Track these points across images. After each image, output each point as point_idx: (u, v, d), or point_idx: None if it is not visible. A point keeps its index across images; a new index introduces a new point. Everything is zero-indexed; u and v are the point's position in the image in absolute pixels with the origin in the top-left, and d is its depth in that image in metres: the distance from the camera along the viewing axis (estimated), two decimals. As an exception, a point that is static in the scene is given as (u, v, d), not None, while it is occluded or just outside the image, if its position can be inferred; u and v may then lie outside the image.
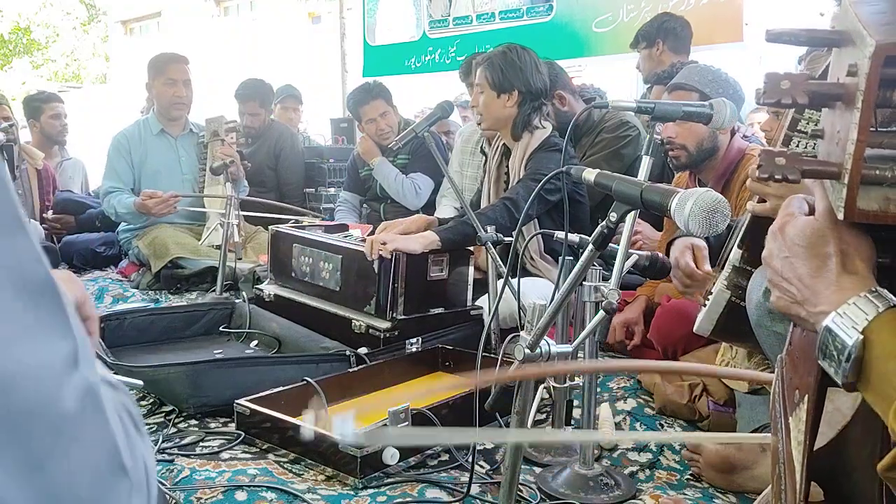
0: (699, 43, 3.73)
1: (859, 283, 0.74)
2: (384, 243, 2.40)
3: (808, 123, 1.16)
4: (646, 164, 1.69)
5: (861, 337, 0.69)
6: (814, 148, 1.15)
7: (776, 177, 0.74)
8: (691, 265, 1.72)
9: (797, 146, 1.18)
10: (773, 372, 1.73)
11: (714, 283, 1.51)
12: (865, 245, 0.77)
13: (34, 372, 0.43)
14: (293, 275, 2.75)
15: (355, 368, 2.18)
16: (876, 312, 0.70)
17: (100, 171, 3.96)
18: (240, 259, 3.27)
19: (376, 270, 2.40)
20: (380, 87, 3.96)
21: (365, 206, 4.13)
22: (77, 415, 0.45)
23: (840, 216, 0.73)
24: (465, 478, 1.66)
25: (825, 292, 0.75)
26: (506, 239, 2.25)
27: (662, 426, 2.03)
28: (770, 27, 0.77)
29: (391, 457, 1.70)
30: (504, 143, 2.82)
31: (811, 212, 0.82)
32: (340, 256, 2.55)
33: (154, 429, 1.98)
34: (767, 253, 0.83)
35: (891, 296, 0.72)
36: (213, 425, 2.01)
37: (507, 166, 2.81)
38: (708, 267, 1.72)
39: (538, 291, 2.30)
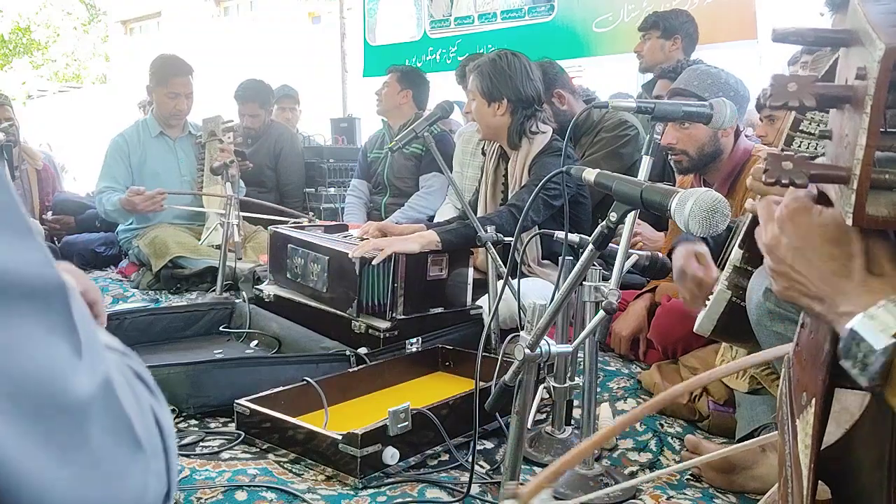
0: (705, 41, 3.72)
1: (888, 284, 0.72)
2: (381, 249, 2.36)
3: (810, 124, 1.15)
4: (646, 163, 1.69)
5: (893, 342, 0.67)
6: (816, 149, 1.15)
7: (783, 181, 0.72)
8: (699, 273, 1.66)
9: (799, 146, 1.18)
10: (772, 373, 1.73)
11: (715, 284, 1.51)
12: (890, 244, 0.75)
13: (49, 369, 0.46)
14: (288, 275, 2.74)
15: (355, 368, 2.18)
16: None
17: (98, 171, 3.95)
18: (240, 259, 3.27)
19: (357, 273, 2.37)
20: (405, 69, 4.24)
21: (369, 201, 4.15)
22: (90, 403, 0.48)
23: (849, 222, 0.71)
24: (465, 478, 1.66)
25: (851, 293, 0.73)
26: (506, 239, 2.24)
27: (662, 426, 2.03)
28: (776, 26, 0.75)
29: (391, 457, 1.70)
30: (501, 146, 2.81)
31: (818, 199, 0.79)
32: (327, 258, 2.52)
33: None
34: (773, 241, 0.80)
35: None
36: (213, 425, 2.01)
37: (505, 170, 2.79)
38: (715, 271, 1.67)
39: (538, 291, 2.30)
